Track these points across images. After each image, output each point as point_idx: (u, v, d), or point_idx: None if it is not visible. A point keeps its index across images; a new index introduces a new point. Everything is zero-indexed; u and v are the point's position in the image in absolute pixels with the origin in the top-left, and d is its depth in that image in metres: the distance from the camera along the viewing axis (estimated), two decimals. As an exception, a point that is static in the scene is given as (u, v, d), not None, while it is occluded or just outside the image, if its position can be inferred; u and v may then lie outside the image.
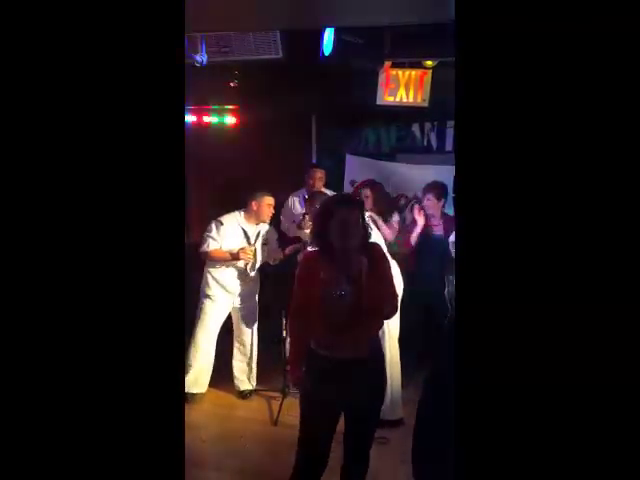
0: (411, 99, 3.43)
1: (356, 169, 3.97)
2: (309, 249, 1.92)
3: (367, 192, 3.14)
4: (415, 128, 3.99)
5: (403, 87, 3.44)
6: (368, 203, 3.06)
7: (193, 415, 2.81)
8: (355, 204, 1.78)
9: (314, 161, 4.01)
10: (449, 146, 3.94)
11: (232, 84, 3.60)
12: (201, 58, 2.92)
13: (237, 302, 3.08)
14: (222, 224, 2.98)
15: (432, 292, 2.93)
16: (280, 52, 3.00)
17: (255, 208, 3.01)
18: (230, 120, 3.95)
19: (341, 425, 1.81)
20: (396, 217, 3.24)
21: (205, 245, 2.97)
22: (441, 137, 3.95)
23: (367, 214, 2.95)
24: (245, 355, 3.14)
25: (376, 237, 2.80)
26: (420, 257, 3.18)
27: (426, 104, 3.41)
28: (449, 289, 1.65)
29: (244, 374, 3.14)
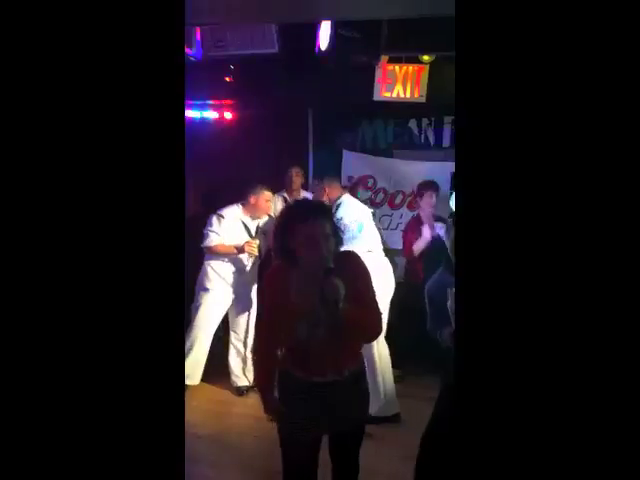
0: (408, 95, 3.42)
1: (353, 165, 3.95)
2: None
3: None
4: (412, 124, 3.97)
5: (400, 83, 3.43)
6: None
7: (189, 411, 2.77)
8: (322, 212, 1.52)
9: (310, 157, 3.99)
10: (447, 142, 3.93)
11: (227, 79, 3.58)
12: (195, 52, 2.90)
13: (235, 296, 3.07)
14: (223, 217, 2.97)
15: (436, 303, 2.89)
16: (276, 46, 2.98)
17: (253, 202, 3.00)
18: (226, 115, 3.92)
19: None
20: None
21: (208, 240, 2.95)
22: (438, 133, 3.93)
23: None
24: (241, 351, 3.13)
25: (369, 239, 2.76)
26: (427, 266, 3.10)
27: (423, 100, 3.40)
28: (450, 302, 1.59)
29: (240, 370, 3.13)
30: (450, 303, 1.54)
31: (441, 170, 3.74)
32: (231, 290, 3.05)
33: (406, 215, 3.78)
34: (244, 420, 2.82)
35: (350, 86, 3.45)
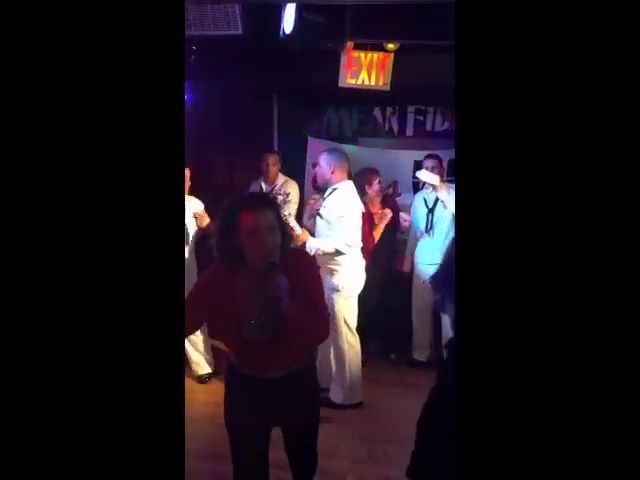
0: (373, 82, 3.41)
1: (318, 152, 3.93)
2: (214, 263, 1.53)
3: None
4: (377, 112, 3.98)
5: (365, 70, 3.42)
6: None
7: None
8: (267, 204, 1.43)
9: (275, 143, 3.94)
10: (410, 132, 3.97)
11: (189, 59, 3.47)
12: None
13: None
14: None
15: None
16: (240, 28, 2.90)
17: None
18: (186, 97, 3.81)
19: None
20: None
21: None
22: (402, 122, 3.96)
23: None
24: (199, 337, 3.08)
25: (351, 233, 2.54)
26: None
27: (388, 88, 3.40)
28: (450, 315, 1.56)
29: (201, 357, 3.09)
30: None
31: (406, 158, 3.79)
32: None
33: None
34: (209, 408, 2.79)
35: (315, 72, 3.42)
